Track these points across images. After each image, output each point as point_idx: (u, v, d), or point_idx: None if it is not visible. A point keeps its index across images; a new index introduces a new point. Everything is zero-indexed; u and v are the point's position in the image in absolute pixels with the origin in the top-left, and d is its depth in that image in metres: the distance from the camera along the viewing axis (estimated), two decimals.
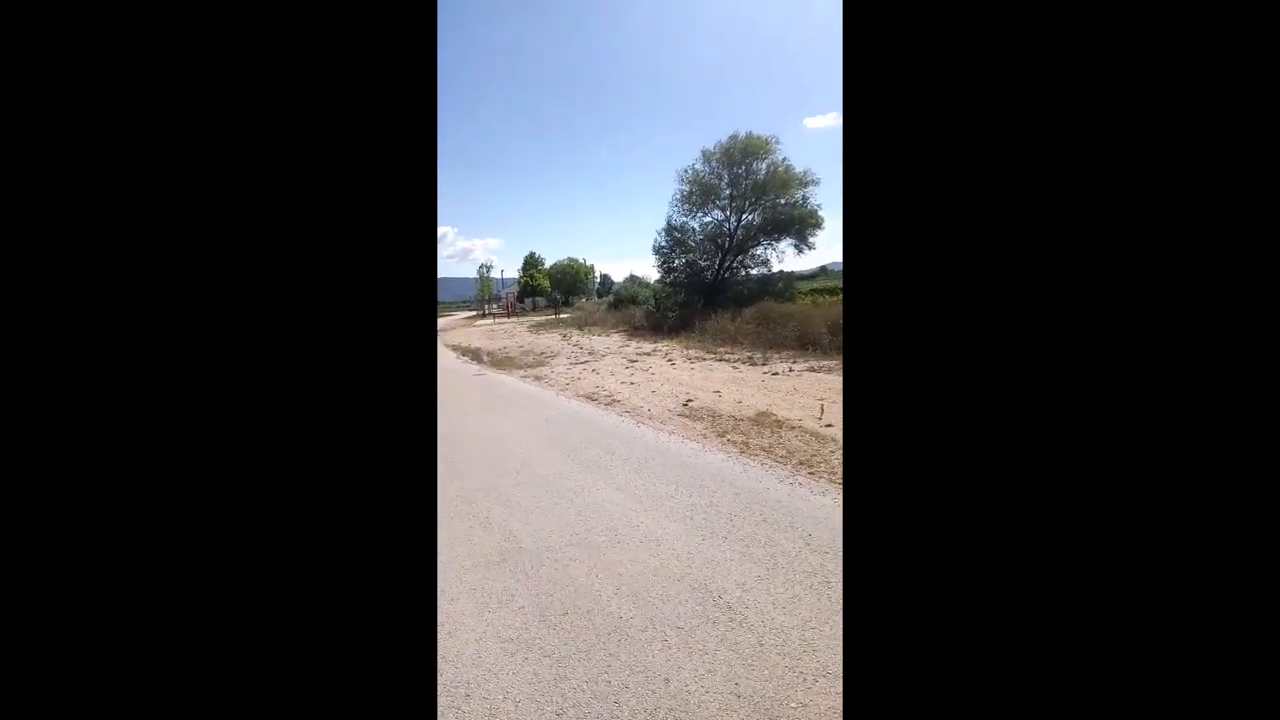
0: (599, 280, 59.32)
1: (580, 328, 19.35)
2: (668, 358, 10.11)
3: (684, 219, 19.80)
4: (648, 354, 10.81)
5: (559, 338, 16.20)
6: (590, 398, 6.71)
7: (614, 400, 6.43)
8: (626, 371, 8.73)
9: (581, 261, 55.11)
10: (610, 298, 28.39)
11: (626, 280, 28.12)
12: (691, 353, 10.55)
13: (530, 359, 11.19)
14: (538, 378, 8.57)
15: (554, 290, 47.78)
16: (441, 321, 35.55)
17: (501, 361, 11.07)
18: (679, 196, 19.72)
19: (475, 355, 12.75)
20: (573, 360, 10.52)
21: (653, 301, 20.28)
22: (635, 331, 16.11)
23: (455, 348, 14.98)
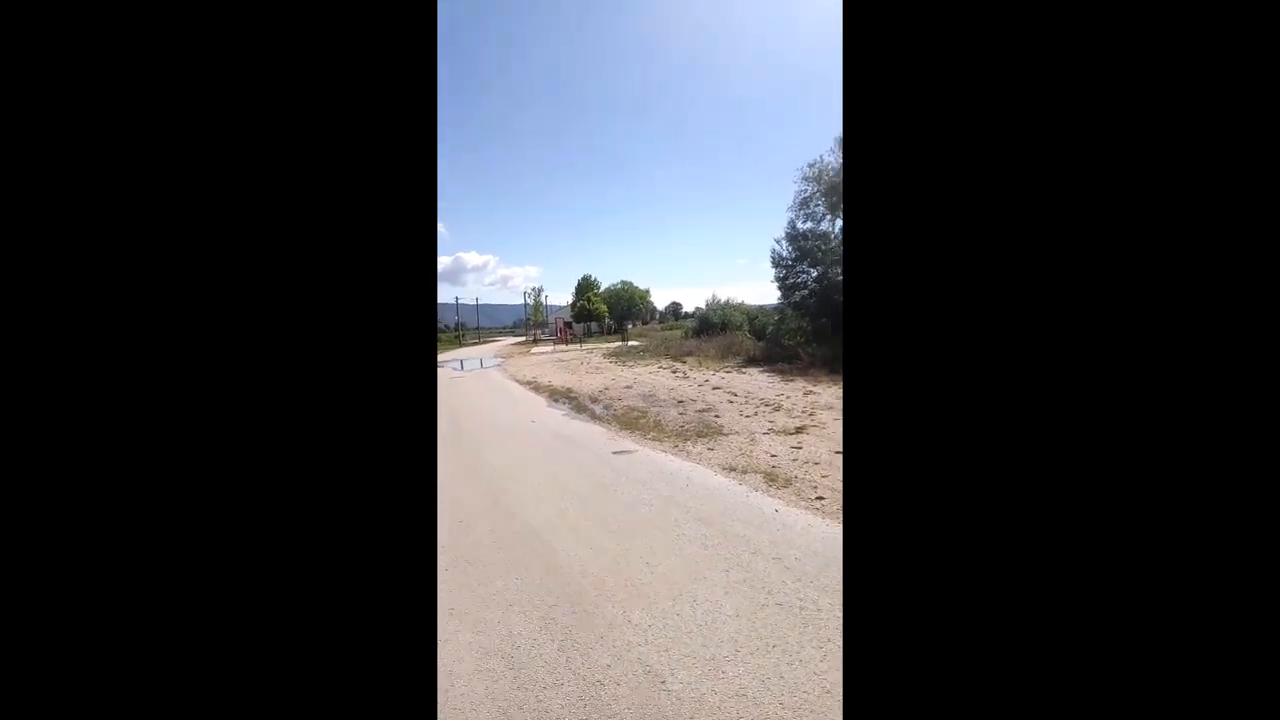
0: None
1: (678, 358, 15.02)
2: None
3: (809, 225, 15.43)
4: None
5: (668, 373, 11.84)
6: None
7: None
8: None
9: (635, 285, 51.58)
10: (692, 323, 23.98)
11: (712, 304, 23.64)
12: None
13: (677, 414, 6.81)
14: (788, 482, 4.12)
15: (608, 316, 44.14)
16: (487, 347, 32.11)
17: (631, 420, 6.72)
18: (801, 198, 15.41)
19: (574, 402, 8.48)
20: (769, 425, 6.07)
21: (773, 326, 15.80)
22: (772, 366, 11.62)
23: (534, 385, 10.78)
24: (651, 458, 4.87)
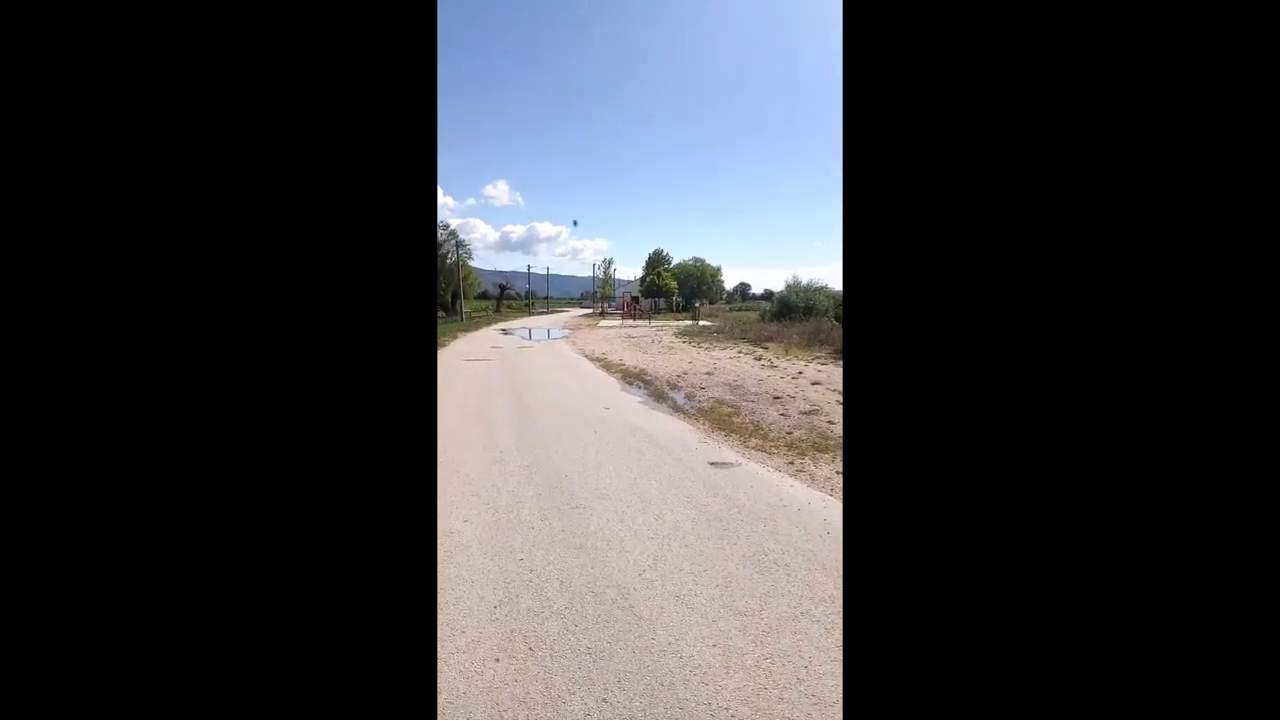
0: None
1: (757, 343, 13.65)
2: None
3: None
4: None
5: (751, 360, 10.57)
6: None
7: None
8: None
9: (707, 263, 49.74)
10: (770, 305, 22.27)
11: (792, 285, 21.75)
12: None
13: (778, 415, 5.62)
14: None
15: (677, 293, 42.79)
16: (555, 318, 31.88)
17: (722, 417, 5.60)
18: None
19: (651, 387, 7.45)
20: None
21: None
22: None
23: (604, 363, 9.87)
24: (762, 477, 3.76)
